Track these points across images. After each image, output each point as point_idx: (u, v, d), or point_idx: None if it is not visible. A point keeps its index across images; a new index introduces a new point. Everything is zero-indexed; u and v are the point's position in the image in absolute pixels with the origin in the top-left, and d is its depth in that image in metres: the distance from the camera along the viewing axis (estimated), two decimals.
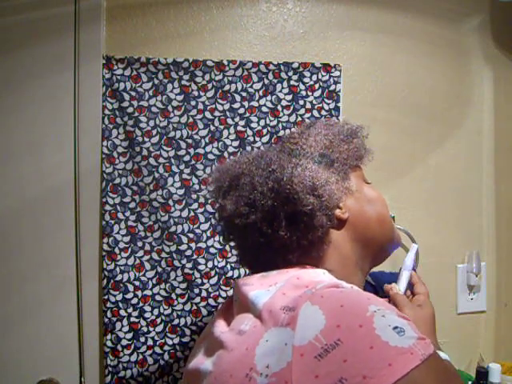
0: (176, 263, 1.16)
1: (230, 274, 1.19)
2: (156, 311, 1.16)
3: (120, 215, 1.15)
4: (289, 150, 0.73)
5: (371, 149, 0.79)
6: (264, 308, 0.52)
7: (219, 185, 0.74)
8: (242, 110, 1.19)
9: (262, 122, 1.20)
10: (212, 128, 1.18)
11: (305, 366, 0.45)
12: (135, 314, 1.15)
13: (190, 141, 1.18)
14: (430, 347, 0.46)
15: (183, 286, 1.17)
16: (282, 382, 0.46)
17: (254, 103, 1.20)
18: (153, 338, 1.16)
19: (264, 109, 1.20)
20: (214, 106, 1.18)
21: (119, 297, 1.14)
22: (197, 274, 1.17)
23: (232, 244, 1.18)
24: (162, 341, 1.16)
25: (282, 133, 1.21)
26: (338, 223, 0.68)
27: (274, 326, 0.50)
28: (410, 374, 0.43)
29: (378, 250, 0.72)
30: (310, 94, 1.22)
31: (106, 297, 1.14)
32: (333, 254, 0.67)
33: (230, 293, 1.18)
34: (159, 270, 1.16)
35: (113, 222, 1.14)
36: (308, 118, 1.22)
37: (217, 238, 1.19)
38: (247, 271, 1.19)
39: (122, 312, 1.14)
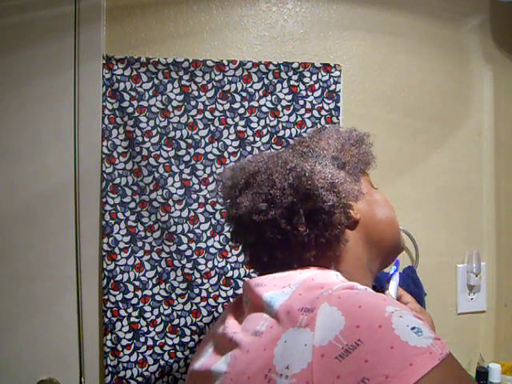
0: (176, 263, 1.16)
1: (229, 274, 1.19)
2: (156, 311, 1.16)
3: (120, 215, 1.15)
4: (300, 153, 0.73)
5: (376, 156, 0.81)
6: (281, 309, 0.52)
7: (235, 182, 0.74)
8: (242, 110, 1.19)
9: (262, 122, 1.20)
10: (212, 128, 1.18)
11: (326, 366, 0.46)
12: (135, 314, 1.15)
13: (189, 141, 1.18)
14: (446, 347, 0.47)
15: (183, 286, 1.17)
16: (302, 383, 0.46)
17: (254, 103, 1.20)
18: (153, 338, 1.16)
19: (264, 109, 1.20)
20: (214, 106, 1.18)
21: (119, 297, 1.14)
22: (197, 274, 1.17)
23: (232, 244, 1.18)
24: (162, 341, 1.16)
25: (281, 133, 1.21)
26: (352, 223, 0.69)
27: (292, 327, 0.50)
28: (431, 374, 0.43)
29: (386, 253, 0.74)
30: (310, 93, 1.22)
31: (105, 297, 1.14)
32: (347, 254, 0.68)
33: (230, 293, 1.18)
34: (159, 270, 1.16)
35: (113, 221, 1.14)
36: (308, 118, 1.22)
37: (217, 238, 1.19)
38: (247, 271, 1.19)
39: (122, 312, 1.14)
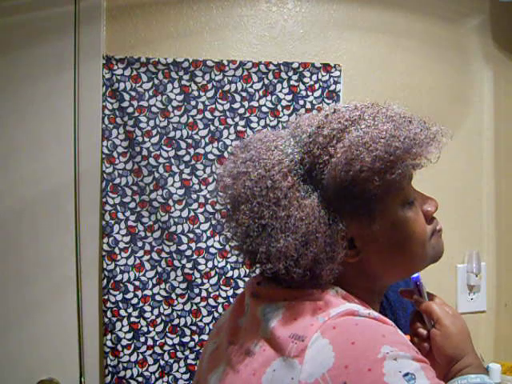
0: (176, 263, 1.16)
1: (229, 274, 1.19)
2: (156, 311, 1.16)
3: (120, 215, 1.15)
4: None
5: None
6: (273, 331, 0.51)
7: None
8: (242, 110, 1.19)
9: (262, 122, 1.20)
10: (212, 128, 1.18)
11: None
12: (135, 314, 1.15)
13: (189, 141, 1.18)
14: None
15: (183, 285, 1.17)
16: None
17: (254, 103, 1.20)
18: (153, 338, 1.16)
19: (264, 109, 1.20)
20: (214, 106, 1.18)
21: (119, 297, 1.14)
22: (197, 274, 1.17)
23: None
24: (162, 341, 1.16)
25: None
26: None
27: (282, 356, 0.48)
28: None
29: (402, 276, 0.66)
30: (310, 94, 1.22)
31: (105, 297, 1.14)
32: (351, 269, 0.58)
33: (230, 293, 1.18)
34: (159, 270, 1.16)
35: (113, 221, 1.14)
36: None
37: (217, 238, 1.19)
38: (247, 271, 1.19)
39: (122, 312, 1.14)
